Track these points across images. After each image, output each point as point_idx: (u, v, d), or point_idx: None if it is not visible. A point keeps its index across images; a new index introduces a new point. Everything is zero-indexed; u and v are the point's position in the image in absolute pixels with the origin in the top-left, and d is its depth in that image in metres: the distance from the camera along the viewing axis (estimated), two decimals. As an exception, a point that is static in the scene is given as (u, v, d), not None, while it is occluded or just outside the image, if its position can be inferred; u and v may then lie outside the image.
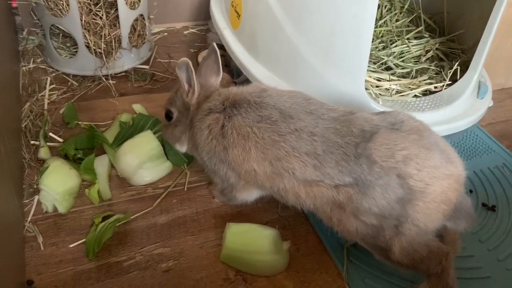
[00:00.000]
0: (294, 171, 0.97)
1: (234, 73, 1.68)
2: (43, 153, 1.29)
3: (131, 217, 1.19)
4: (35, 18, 1.70)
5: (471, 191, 1.39)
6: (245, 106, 1.04)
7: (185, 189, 1.30)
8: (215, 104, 1.08)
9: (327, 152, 0.96)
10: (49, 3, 1.53)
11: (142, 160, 1.26)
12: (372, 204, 0.93)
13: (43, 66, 1.74)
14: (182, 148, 1.21)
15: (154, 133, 1.32)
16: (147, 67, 1.81)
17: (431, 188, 0.91)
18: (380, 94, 1.36)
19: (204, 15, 2.22)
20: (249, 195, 1.17)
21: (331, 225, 1.02)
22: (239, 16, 1.48)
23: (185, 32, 2.17)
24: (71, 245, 1.10)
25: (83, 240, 1.11)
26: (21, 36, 1.84)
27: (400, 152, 0.92)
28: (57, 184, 1.16)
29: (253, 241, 1.10)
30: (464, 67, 1.42)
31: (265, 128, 1.00)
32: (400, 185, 0.91)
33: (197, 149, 1.13)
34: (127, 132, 1.34)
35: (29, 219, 1.15)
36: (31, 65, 1.73)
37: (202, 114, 1.10)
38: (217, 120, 1.06)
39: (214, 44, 1.17)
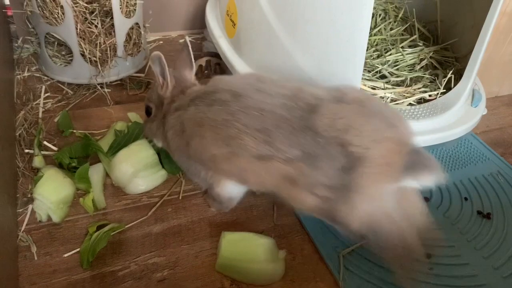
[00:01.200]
0: (248, 148, 0.98)
1: (230, 81, 1.69)
2: (37, 161, 1.29)
3: (126, 226, 1.18)
4: (30, 27, 1.70)
5: (466, 199, 1.39)
6: (200, 96, 1.08)
7: (180, 197, 1.30)
8: (179, 103, 1.13)
9: (277, 126, 0.97)
10: (44, 11, 1.53)
11: (137, 168, 1.25)
12: (321, 175, 0.93)
13: (38, 75, 1.74)
14: (159, 143, 1.25)
15: (149, 142, 1.32)
16: (142, 75, 1.82)
17: (371, 152, 0.91)
18: (375, 102, 1.36)
19: (199, 23, 2.23)
20: (227, 188, 1.16)
21: (290, 202, 1.02)
22: (235, 25, 1.49)
23: (181, 41, 2.17)
24: (65, 255, 1.09)
25: (77, 249, 1.10)
26: (16, 45, 1.84)
27: (340, 120, 0.94)
28: (52, 193, 1.15)
29: (248, 250, 1.09)
30: (458, 76, 1.44)
31: (217, 110, 1.02)
32: (342, 154, 0.92)
33: (170, 150, 1.19)
34: (122, 141, 1.34)
35: (22, 229, 1.14)
36: (26, 74, 1.73)
37: (169, 114, 1.14)
38: (177, 118, 1.10)
39: (187, 38, 1.24)
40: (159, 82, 1.16)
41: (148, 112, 1.25)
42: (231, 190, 1.18)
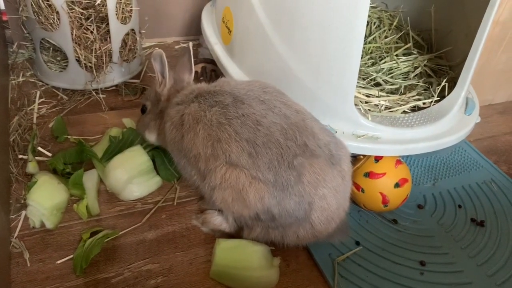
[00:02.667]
0: (230, 154, 1.01)
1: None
2: (31, 167, 1.28)
3: (120, 233, 1.17)
4: (25, 32, 1.70)
5: (460, 206, 1.40)
6: (204, 95, 1.10)
7: (175, 204, 1.29)
8: (181, 98, 1.14)
9: (266, 146, 1.00)
10: (40, 17, 1.53)
11: (131, 175, 1.25)
12: (277, 206, 1.01)
13: (33, 80, 1.73)
14: (151, 136, 1.28)
15: (144, 148, 1.32)
16: (137, 81, 1.82)
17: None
18: (369, 109, 1.37)
19: (195, 30, 2.23)
20: (217, 220, 1.21)
21: (224, 206, 1.07)
22: (230, 31, 1.49)
23: (176, 47, 2.18)
24: (58, 261, 1.08)
25: (71, 256, 1.10)
26: (11, 50, 1.84)
27: (322, 189, 1.02)
28: (45, 199, 1.15)
29: (243, 257, 1.09)
30: (452, 84, 1.45)
31: (215, 112, 1.05)
32: (304, 210, 1.02)
33: (165, 142, 1.19)
34: (117, 147, 1.33)
35: (15, 235, 1.13)
36: (21, 79, 1.73)
37: (170, 107, 1.16)
38: (178, 111, 1.11)
39: (190, 44, 1.27)
40: (158, 80, 1.21)
41: (143, 110, 1.30)
42: (221, 222, 1.19)
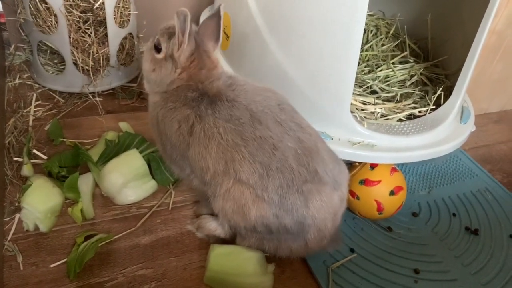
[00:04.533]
0: (241, 174, 0.99)
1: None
2: (26, 170, 1.27)
3: (114, 237, 1.17)
4: (23, 34, 1.70)
5: (454, 215, 1.40)
6: (219, 104, 1.03)
7: (170, 209, 1.29)
8: (193, 95, 1.05)
9: (279, 170, 0.99)
10: (38, 19, 1.53)
11: (127, 179, 1.25)
12: (276, 223, 1.02)
13: (29, 82, 1.73)
14: (147, 85, 1.15)
15: (140, 152, 1.31)
16: (134, 85, 1.81)
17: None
18: (365, 117, 1.37)
19: (193, 34, 2.23)
20: (212, 225, 1.19)
21: (222, 214, 1.07)
22: (228, 37, 1.50)
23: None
24: (52, 265, 1.08)
25: (65, 260, 1.09)
26: (8, 52, 1.83)
27: (324, 213, 1.04)
28: (40, 202, 1.14)
29: (237, 263, 1.09)
30: (448, 92, 1.46)
31: (231, 130, 1.00)
32: (302, 230, 1.04)
33: (161, 133, 1.10)
34: (113, 151, 1.33)
35: (9, 238, 1.12)
36: (17, 81, 1.72)
37: (179, 99, 1.06)
38: (187, 118, 1.03)
39: (221, 7, 1.09)
40: (177, 41, 1.04)
41: (157, 48, 1.09)
42: (216, 227, 1.19)
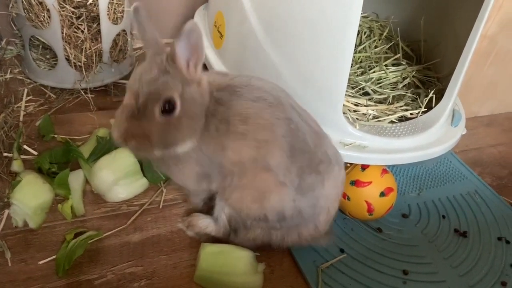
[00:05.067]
0: (271, 158, 0.98)
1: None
2: (16, 166, 1.26)
3: (104, 234, 1.16)
4: (15, 29, 1.68)
5: (443, 217, 1.41)
6: (238, 88, 0.99)
7: (161, 207, 1.29)
8: (219, 95, 0.98)
9: (301, 151, 1.01)
10: (30, 14, 1.52)
11: (118, 176, 1.24)
12: (292, 208, 1.04)
13: (21, 77, 1.71)
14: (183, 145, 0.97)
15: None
16: (127, 82, 1.80)
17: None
18: (357, 118, 1.38)
19: (187, 32, 2.23)
20: (204, 222, 1.19)
21: (236, 204, 1.07)
22: (222, 36, 1.50)
23: (168, 48, 2.16)
24: (41, 262, 1.07)
25: (54, 256, 1.08)
26: (-1, 46, 1.82)
27: (333, 194, 1.11)
28: (29, 198, 1.13)
29: (227, 262, 1.09)
30: (439, 95, 1.47)
31: (262, 108, 0.97)
32: (314, 213, 1.08)
33: (201, 163, 1.01)
34: (104, 148, 1.32)
35: (-3, 234, 1.12)
36: (8, 75, 1.70)
37: (214, 105, 0.97)
38: (225, 111, 0.97)
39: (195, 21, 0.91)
40: (183, 62, 0.90)
41: (170, 109, 0.90)
42: (207, 224, 1.19)
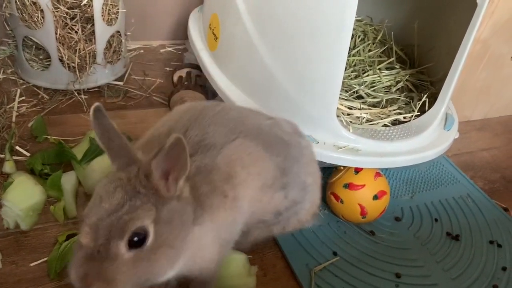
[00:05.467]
0: (265, 181, 0.99)
1: (210, 94, 1.69)
2: (8, 167, 1.26)
3: (97, 236, 1.16)
4: (8, 29, 1.67)
5: (436, 220, 1.42)
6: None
7: (154, 209, 1.28)
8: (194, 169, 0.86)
9: (278, 147, 1.04)
10: (24, 14, 1.51)
11: (111, 178, 1.23)
12: (285, 202, 1.04)
13: (14, 78, 1.70)
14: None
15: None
16: (121, 83, 1.80)
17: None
18: (351, 122, 1.38)
19: (181, 34, 2.23)
20: None
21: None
22: (217, 38, 1.50)
23: (162, 50, 2.17)
24: (32, 264, 1.06)
25: (45, 259, 1.07)
26: (-8, 46, 1.81)
27: (313, 170, 1.13)
28: (21, 199, 1.13)
29: (220, 264, 1.09)
30: (433, 99, 1.47)
31: (254, 139, 0.99)
32: (305, 193, 1.09)
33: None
34: (97, 149, 1.31)
35: (-12, 236, 1.11)
36: (1, 76, 1.69)
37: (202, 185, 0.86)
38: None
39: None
40: (159, 180, 0.72)
41: (141, 241, 0.71)
42: None
